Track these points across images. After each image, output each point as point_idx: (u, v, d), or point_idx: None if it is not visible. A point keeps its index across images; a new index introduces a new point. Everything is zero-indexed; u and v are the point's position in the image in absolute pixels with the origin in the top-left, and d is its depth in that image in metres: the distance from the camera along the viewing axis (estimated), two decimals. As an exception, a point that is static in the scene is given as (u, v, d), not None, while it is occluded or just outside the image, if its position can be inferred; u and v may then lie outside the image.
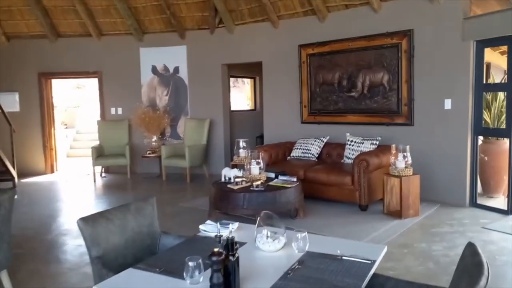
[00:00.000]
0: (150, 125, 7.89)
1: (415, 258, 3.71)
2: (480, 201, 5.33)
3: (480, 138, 5.45)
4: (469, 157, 5.29)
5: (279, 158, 6.26)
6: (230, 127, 8.24)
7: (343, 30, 6.24)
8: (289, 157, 6.35)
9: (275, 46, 7.11)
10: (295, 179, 4.84)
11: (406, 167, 4.87)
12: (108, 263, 2.01)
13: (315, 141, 6.21)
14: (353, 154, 5.57)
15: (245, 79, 9.83)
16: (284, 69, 7.04)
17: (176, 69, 8.08)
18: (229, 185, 4.69)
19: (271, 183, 4.74)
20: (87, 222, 2.06)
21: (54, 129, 8.67)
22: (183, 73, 8.05)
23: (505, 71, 5.40)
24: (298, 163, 5.94)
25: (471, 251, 1.60)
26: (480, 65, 5.16)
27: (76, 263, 3.78)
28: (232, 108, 8.73)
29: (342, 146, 5.99)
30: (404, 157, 4.88)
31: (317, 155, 6.12)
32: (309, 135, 6.53)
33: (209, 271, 1.50)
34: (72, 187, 7.39)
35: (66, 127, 11.88)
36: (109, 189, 7.16)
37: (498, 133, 5.47)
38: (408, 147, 4.90)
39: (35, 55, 8.23)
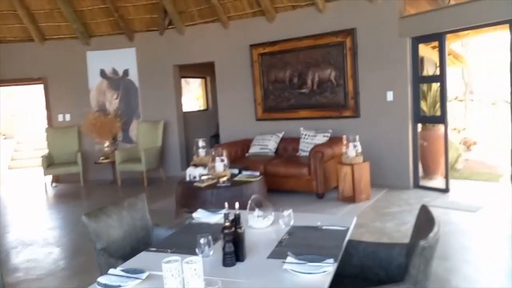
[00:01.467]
0: (102, 130, 7.77)
1: (372, 235, 4.10)
2: (422, 183, 5.91)
3: (419, 125, 6.04)
4: (411, 144, 5.85)
5: (238, 155, 6.48)
6: (183, 128, 8.31)
7: (292, 30, 6.59)
8: (247, 154, 6.60)
9: (226, 46, 7.31)
10: (258, 173, 5.09)
11: (356, 156, 5.32)
12: (111, 255, 2.14)
13: (271, 137, 6.51)
14: (307, 147, 5.93)
15: (192, 79, 9.91)
16: (237, 68, 7.27)
17: (126, 72, 8.02)
18: (195, 184, 4.83)
19: (235, 178, 4.94)
20: (90, 218, 2.17)
21: (-4, 140, 8.24)
22: (133, 76, 8.01)
23: (436, 64, 6.03)
24: (257, 159, 6.20)
25: (424, 211, 1.95)
26: (416, 60, 5.74)
27: (52, 269, 3.76)
28: (184, 109, 8.80)
29: (297, 140, 6.34)
30: (354, 146, 5.33)
31: (274, 150, 6.42)
32: (265, 131, 6.81)
33: (217, 245, 1.69)
34: (24, 200, 7.10)
35: (5, 138, 11.25)
36: (63, 198, 6.98)
37: (434, 120, 6.10)
38: (357, 137, 5.34)
39: (-28, 62, 7.79)
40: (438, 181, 6.02)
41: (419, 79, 5.83)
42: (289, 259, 1.69)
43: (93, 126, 7.69)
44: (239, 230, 1.73)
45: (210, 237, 1.75)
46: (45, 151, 7.90)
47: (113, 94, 8.10)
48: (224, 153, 5.03)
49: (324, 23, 6.29)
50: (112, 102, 8.11)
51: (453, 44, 8.16)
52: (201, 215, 2.42)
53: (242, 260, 1.73)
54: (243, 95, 7.26)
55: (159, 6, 7.28)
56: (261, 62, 6.96)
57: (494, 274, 3.22)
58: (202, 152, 6.07)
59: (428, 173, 6.26)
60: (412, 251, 1.69)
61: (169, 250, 1.83)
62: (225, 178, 4.78)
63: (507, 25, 4.90)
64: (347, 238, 2.03)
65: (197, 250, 1.73)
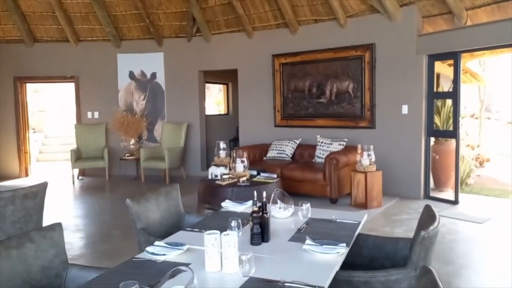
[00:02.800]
0: (129, 129, 8.20)
1: (382, 239, 4.36)
2: (432, 194, 6.14)
3: (432, 139, 6.28)
4: (423, 156, 6.08)
5: (256, 159, 6.80)
6: (205, 131, 8.69)
7: (313, 42, 6.92)
8: (265, 158, 6.92)
9: (250, 55, 7.68)
10: (275, 176, 5.40)
11: (370, 164, 5.58)
12: (150, 235, 2.48)
13: (289, 142, 6.82)
14: (323, 154, 6.22)
15: (212, 85, 10.30)
16: (259, 76, 7.62)
17: (154, 75, 8.44)
18: (217, 181, 5.17)
19: (254, 179, 5.26)
20: (133, 201, 2.52)
21: (28, 133, 8.74)
22: (161, 79, 8.43)
23: (452, 80, 6.27)
24: (274, 162, 6.52)
25: (427, 209, 2.24)
26: (432, 76, 6.00)
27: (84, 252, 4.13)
28: (206, 113, 9.18)
29: (313, 147, 6.63)
30: (369, 155, 5.60)
31: (291, 155, 6.73)
32: (282, 137, 7.12)
33: (245, 228, 2.00)
34: (52, 190, 7.53)
35: (34, 132, 11.79)
36: (89, 190, 7.40)
37: (446, 135, 6.33)
38: (372, 146, 5.61)
39: (11, 59, 8.32)
40: (448, 193, 6.23)
41: (434, 95, 6.08)
42: (308, 241, 2.00)
43: (120, 124, 8.13)
44: (265, 215, 2.05)
45: (239, 220, 2.06)
46: (73, 146, 8.34)
47: (140, 95, 8.53)
48: (245, 155, 5.37)
49: (344, 37, 6.60)
50: (139, 103, 8.54)
51: (469, 62, 8.36)
52: (229, 205, 2.75)
53: (267, 241, 2.05)
54: (264, 101, 7.60)
55: (189, 15, 7.70)
56: (282, 72, 7.30)
57: (495, 277, 3.46)
58: (222, 153, 6.42)
59: (439, 185, 6.48)
60: (414, 241, 1.98)
61: (203, 230, 2.13)
62: (244, 178, 5.11)
63: (521, 47, 5.14)
64: (358, 230, 2.32)
65: (228, 231, 2.03)
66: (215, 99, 11.01)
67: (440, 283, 1.31)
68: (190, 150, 8.42)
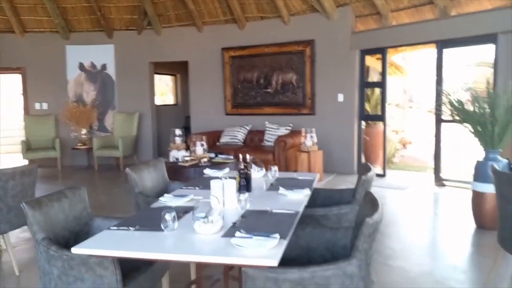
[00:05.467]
0: (80, 119, 8.35)
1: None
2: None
3: (363, 123, 7.26)
4: (356, 138, 7.05)
5: (210, 144, 7.33)
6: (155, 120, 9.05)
7: (260, 37, 7.61)
8: (218, 143, 7.51)
9: (200, 48, 8.18)
10: (231, 157, 6.03)
11: (312, 145, 6.41)
12: (146, 196, 3.00)
13: (240, 129, 7.48)
14: (272, 138, 6.95)
15: (160, 76, 10.58)
16: (209, 68, 8.16)
17: (104, 66, 8.64)
18: (179, 163, 5.69)
19: (213, 160, 5.85)
20: (132, 170, 3.03)
21: (-28, 125, 8.54)
22: (111, 70, 8.65)
23: (380, 72, 7.29)
24: (228, 147, 7.13)
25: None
26: (363, 68, 6.96)
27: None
28: (156, 103, 9.52)
29: (262, 132, 7.35)
30: (311, 137, 6.42)
31: (243, 140, 7.39)
32: (233, 124, 7.75)
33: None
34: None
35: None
36: (43, 180, 7.50)
37: (375, 119, 7.38)
38: (314, 129, 6.44)
39: (-49, 49, 8.08)
40: (377, 169, 7.26)
41: (365, 84, 7.07)
42: (281, 189, 2.67)
43: (71, 115, 8.26)
44: (248, 172, 2.69)
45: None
46: (21, 138, 8.31)
47: (90, 86, 8.69)
48: (204, 138, 5.94)
49: (288, 33, 7.36)
50: (90, 94, 8.69)
51: (394, 56, 9.54)
52: (210, 172, 3.35)
53: (250, 191, 2.69)
54: (214, 92, 8.16)
55: (140, 8, 8.02)
56: (232, 64, 7.91)
57: (415, 227, 4.41)
58: (178, 139, 6.92)
59: (370, 162, 7.46)
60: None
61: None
62: (205, 159, 5.69)
63: (434, 44, 6.21)
64: (315, 183, 3.03)
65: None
66: (159, 90, 11.32)
67: (377, 199, 2.03)
68: (142, 139, 8.75)
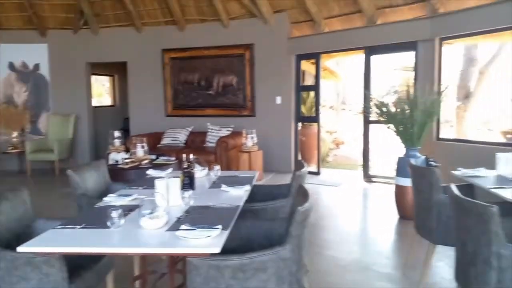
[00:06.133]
0: (10, 121, 7.94)
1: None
2: (302, 169, 7.50)
3: (299, 124, 7.64)
4: (293, 138, 7.41)
5: (150, 146, 7.32)
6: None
7: (200, 39, 7.72)
8: (159, 145, 7.51)
9: (139, 49, 8.12)
10: (173, 158, 6.09)
11: (253, 145, 6.66)
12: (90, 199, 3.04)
13: (182, 130, 7.54)
14: (213, 139, 7.09)
15: (96, 77, 10.31)
16: (149, 69, 8.13)
17: (37, 66, 8.28)
18: (119, 166, 5.65)
19: (155, 162, 5.88)
20: (74, 172, 3.04)
21: None
22: (44, 70, 8.31)
23: (314, 76, 7.71)
24: (169, 149, 7.16)
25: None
26: (299, 72, 7.33)
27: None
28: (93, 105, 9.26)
29: (204, 133, 7.46)
30: (252, 138, 6.66)
31: (184, 142, 7.46)
32: (175, 126, 7.78)
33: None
34: None
35: None
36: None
37: (310, 120, 7.80)
38: (254, 130, 6.69)
39: None
40: (312, 168, 7.68)
41: (300, 88, 7.45)
42: (223, 186, 2.85)
43: (1, 117, 7.82)
44: (191, 171, 2.84)
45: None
46: None
47: (22, 87, 8.28)
48: (144, 140, 5.95)
49: (228, 36, 7.55)
50: (21, 95, 8.28)
51: (328, 61, 10.08)
52: (153, 173, 3.43)
53: (194, 189, 2.83)
54: (154, 93, 8.14)
55: (77, 7, 7.80)
56: (172, 65, 7.95)
57: (347, 218, 4.78)
58: (117, 142, 6.85)
59: (306, 161, 7.84)
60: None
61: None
62: (146, 161, 5.70)
63: (363, 50, 6.72)
64: (254, 180, 3.23)
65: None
66: (96, 91, 11.01)
67: (308, 191, 2.28)
68: (78, 141, 8.50)
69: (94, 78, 10.34)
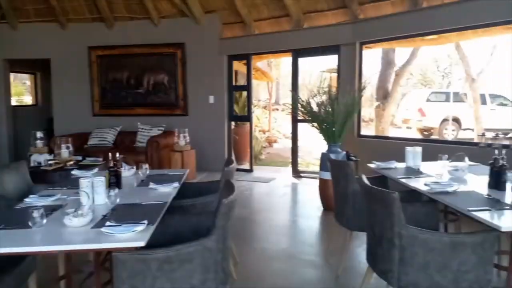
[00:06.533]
0: None
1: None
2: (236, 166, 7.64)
3: (233, 123, 7.78)
4: (226, 137, 7.52)
5: (76, 147, 7.03)
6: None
7: (130, 37, 7.55)
8: (86, 146, 7.24)
9: (64, 45, 7.74)
10: (100, 159, 5.91)
11: (185, 145, 6.67)
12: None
13: (110, 130, 7.33)
14: (144, 139, 6.98)
15: (15, 74, 9.71)
16: (74, 67, 7.78)
17: None
18: (42, 167, 5.39)
19: (81, 163, 5.67)
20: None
21: None
22: (-45, 66, 7.64)
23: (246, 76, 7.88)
24: (96, 149, 6.92)
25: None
26: (231, 73, 7.46)
27: None
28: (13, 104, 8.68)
29: (134, 133, 7.32)
30: (184, 137, 6.68)
31: (113, 142, 7.26)
32: (102, 126, 7.53)
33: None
34: None
35: None
36: None
37: (243, 119, 7.96)
38: (186, 130, 6.71)
39: None
40: (246, 165, 7.87)
41: (233, 88, 7.59)
42: (151, 184, 2.88)
43: None
44: (118, 170, 2.83)
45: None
46: None
47: None
48: (70, 141, 5.72)
49: (158, 35, 7.48)
50: None
51: (259, 62, 10.34)
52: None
53: (120, 188, 2.82)
54: (80, 92, 7.82)
55: (-9, 0, 7.26)
56: (100, 63, 7.70)
57: (278, 212, 4.99)
58: (39, 143, 6.51)
59: (240, 159, 8.07)
60: (221, 176, 2.92)
61: (64, 188, 2.49)
62: (71, 162, 5.49)
63: (291, 53, 7.00)
64: (184, 177, 3.29)
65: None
66: (15, 90, 10.35)
67: (234, 185, 2.39)
68: (-5, 143, 7.93)
69: (13, 76, 9.71)
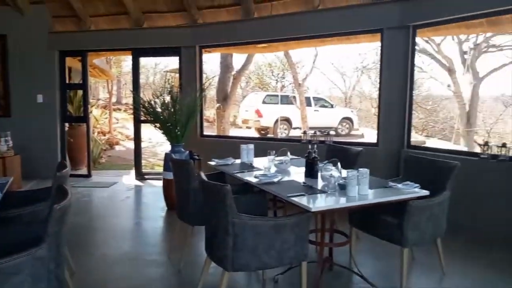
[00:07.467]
0: None
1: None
2: (71, 172, 7.08)
3: (66, 124, 7.18)
4: (59, 140, 6.90)
5: None
6: None
7: None
8: None
9: None
10: None
11: (8, 150, 5.91)
12: None
13: None
14: (-47, 144, 5.92)
15: None
16: None
17: None
18: None
19: None
20: None
21: None
22: None
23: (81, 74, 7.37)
24: None
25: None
26: (63, 69, 6.87)
27: None
28: None
29: None
30: (6, 141, 5.91)
31: None
32: None
33: None
34: None
35: None
36: None
37: (79, 120, 7.44)
38: (9, 133, 5.94)
39: None
40: (84, 170, 7.36)
41: (66, 86, 7.01)
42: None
43: None
44: None
45: None
46: None
47: None
48: None
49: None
50: None
51: (97, 60, 9.75)
52: None
53: None
54: None
55: None
56: None
57: (123, 218, 4.84)
58: None
59: (76, 165, 7.51)
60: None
61: None
62: None
63: (130, 52, 6.82)
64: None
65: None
66: None
67: (68, 190, 2.28)
68: None
69: None
